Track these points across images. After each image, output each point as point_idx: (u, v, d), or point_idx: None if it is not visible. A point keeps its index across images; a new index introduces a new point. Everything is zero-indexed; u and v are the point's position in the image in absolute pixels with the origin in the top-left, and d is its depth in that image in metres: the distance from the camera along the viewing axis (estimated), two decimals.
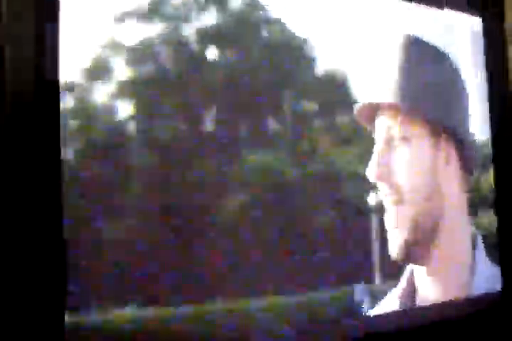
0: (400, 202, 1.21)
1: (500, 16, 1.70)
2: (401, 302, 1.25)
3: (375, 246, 1.21)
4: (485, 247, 1.34)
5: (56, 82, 0.91)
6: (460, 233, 1.29)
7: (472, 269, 1.28)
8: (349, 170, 1.21)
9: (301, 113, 1.16)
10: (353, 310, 1.18)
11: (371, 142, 1.23)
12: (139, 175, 0.97)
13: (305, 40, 1.17)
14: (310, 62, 1.18)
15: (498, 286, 1.42)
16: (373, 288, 1.20)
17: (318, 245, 1.15)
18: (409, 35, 1.29)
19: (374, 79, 1.26)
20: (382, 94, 1.24)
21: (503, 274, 1.45)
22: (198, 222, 1.02)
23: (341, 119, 1.22)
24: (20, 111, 0.88)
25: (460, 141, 1.26)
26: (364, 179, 1.21)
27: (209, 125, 1.07)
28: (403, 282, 1.26)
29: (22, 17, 0.88)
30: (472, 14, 1.65)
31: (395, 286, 1.25)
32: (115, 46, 0.96)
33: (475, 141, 1.42)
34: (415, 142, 1.22)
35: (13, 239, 0.86)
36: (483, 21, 1.66)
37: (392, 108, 1.22)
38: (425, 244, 1.24)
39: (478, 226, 1.42)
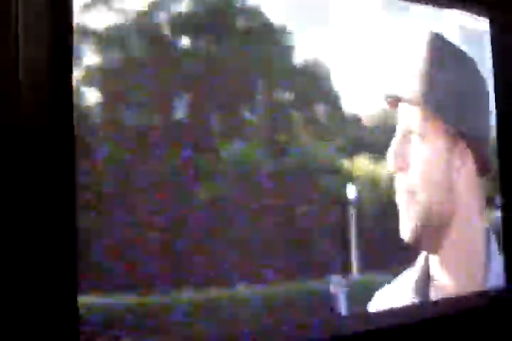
0: (413, 192, 1.24)
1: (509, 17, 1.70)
2: (416, 290, 1.27)
3: (354, 239, 1.22)
4: (498, 243, 1.36)
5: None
6: (473, 229, 1.31)
7: (486, 264, 1.30)
8: (328, 163, 1.20)
9: (278, 103, 1.15)
10: (328, 301, 1.17)
11: (351, 134, 1.24)
12: (108, 166, 0.95)
13: (284, 30, 1.15)
14: (288, 51, 1.16)
15: None
16: (351, 280, 1.20)
17: (295, 237, 1.15)
18: (435, 32, 1.30)
19: (394, 73, 1.27)
20: (402, 89, 1.26)
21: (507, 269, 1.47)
22: (172, 215, 1.01)
23: (321, 111, 1.21)
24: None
25: (476, 146, 1.28)
26: (343, 171, 1.22)
27: (182, 115, 1.05)
28: (417, 270, 1.29)
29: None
30: (480, 15, 1.65)
31: (376, 279, 1.26)
32: (87, 33, 0.94)
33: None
34: (432, 140, 1.24)
35: (25, 224, 0.87)
36: (490, 22, 1.66)
37: (412, 103, 1.24)
38: (437, 236, 1.26)
39: (491, 222, 1.43)
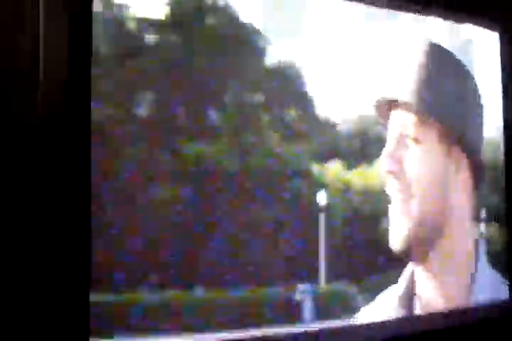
0: (407, 198, 1.19)
1: None
2: (400, 305, 1.23)
3: (322, 245, 1.17)
4: (489, 255, 1.33)
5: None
6: (463, 240, 1.26)
7: (473, 276, 1.24)
8: (297, 166, 1.16)
9: (246, 104, 1.12)
10: (293, 309, 1.14)
11: (325, 139, 1.20)
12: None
13: (255, 30, 1.13)
14: (260, 52, 1.14)
15: (500, 295, 1.38)
16: (319, 288, 1.16)
17: (257, 241, 1.10)
18: (430, 41, 1.28)
19: (387, 77, 1.25)
20: (397, 92, 1.22)
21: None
22: (130, 213, 0.99)
23: (293, 114, 1.17)
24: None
25: (472, 152, 1.24)
26: (314, 177, 1.18)
27: (146, 112, 1.03)
28: (402, 284, 1.24)
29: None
30: (490, 28, 1.66)
31: (345, 288, 1.21)
32: None
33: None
34: (427, 145, 1.20)
35: (39, 221, 0.89)
36: (500, 36, 1.67)
37: (408, 107, 1.22)
38: (427, 245, 1.21)
39: (482, 234, 1.39)
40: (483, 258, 1.28)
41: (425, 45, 1.26)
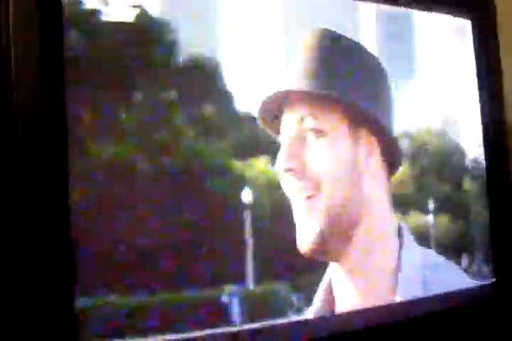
0: (314, 194, 1.12)
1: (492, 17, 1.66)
2: (319, 306, 1.16)
3: (248, 245, 1.12)
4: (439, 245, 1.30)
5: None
6: (384, 227, 1.18)
7: (396, 270, 1.16)
8: (217, 164, 1.12)
9: (158, 101, 1.08)
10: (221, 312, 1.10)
11: (242, 133, 1.16)
12: None
13: (165, 23, 1.09)
14: (171, 46, 1.10)
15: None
16: (245, 289, 1.11)
17: (179, 243, 1.06)
18: (322, 27, 1.20)
19: (278, 67, 1.20)
20: (289, 83, 1.16)
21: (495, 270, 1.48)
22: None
23: (210, 109, 1.13)
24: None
25: (382, 134, 1.16)
26: (233, 173, 1.12)
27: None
28: (320, 293, 1.17)
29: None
30: (462, 16, 1.62)
31: (273, 288, 1.15)
32: None
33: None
34: (332, 134, 1.13)
35: (22, 225, 0.90)
36: (473, 24, 1.63)
37: (305, 96, 1.14)
38: (341, 241, 1.14)
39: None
40: (411, 249, 1.20)
41: (317, 32, 1.19)
